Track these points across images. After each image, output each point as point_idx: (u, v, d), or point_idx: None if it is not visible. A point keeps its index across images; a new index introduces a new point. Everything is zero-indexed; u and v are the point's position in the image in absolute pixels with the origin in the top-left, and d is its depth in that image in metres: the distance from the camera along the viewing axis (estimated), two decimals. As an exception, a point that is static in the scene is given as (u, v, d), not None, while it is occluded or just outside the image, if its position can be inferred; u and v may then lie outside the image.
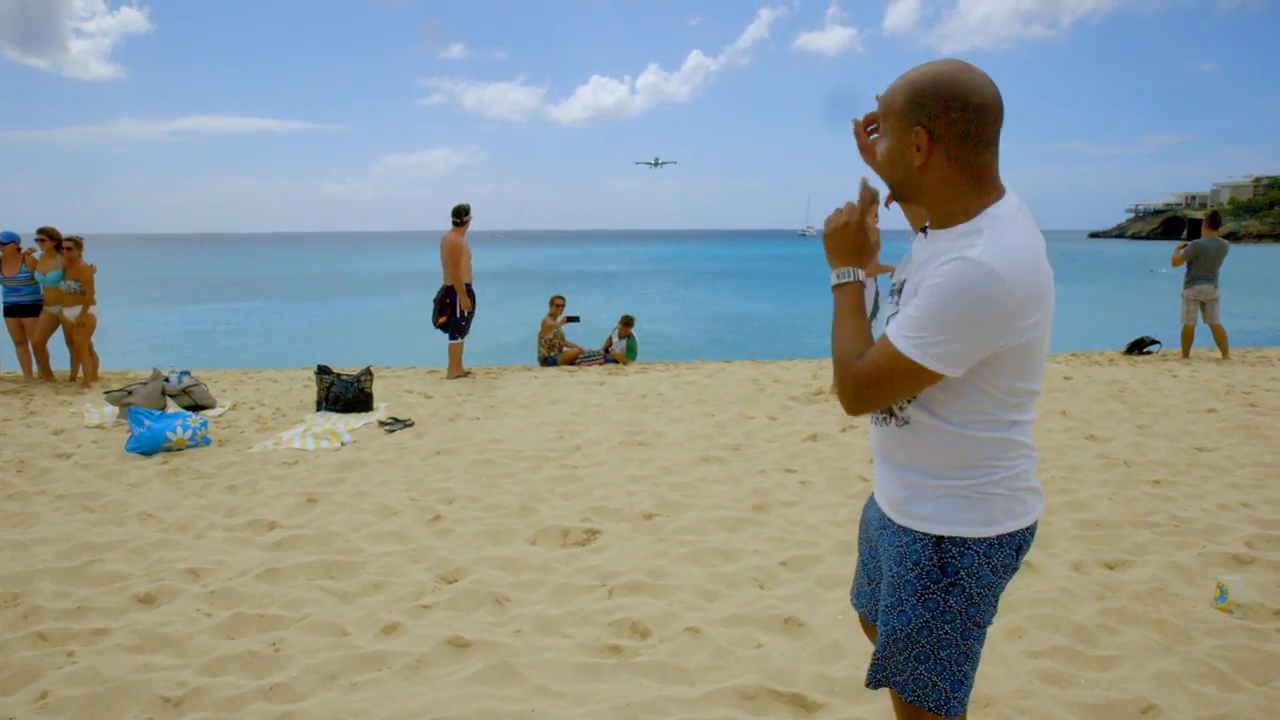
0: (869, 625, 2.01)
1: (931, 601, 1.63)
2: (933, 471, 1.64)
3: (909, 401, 1.62)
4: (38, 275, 8.81)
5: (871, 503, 1.89)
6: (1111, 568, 3.74)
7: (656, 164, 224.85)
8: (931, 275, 1.50)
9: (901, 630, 1.65)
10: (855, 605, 2.01)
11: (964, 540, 1.62)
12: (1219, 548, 3.91)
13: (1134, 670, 2.86)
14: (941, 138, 1.53)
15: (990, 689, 2.71)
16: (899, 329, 1.53)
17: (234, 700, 2.71)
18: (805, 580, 3.62)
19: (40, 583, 3.60)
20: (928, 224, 1.66)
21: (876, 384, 1.57)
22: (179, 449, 5.92)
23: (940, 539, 1.63)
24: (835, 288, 1.69)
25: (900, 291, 1.68)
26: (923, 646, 1.65)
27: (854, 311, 1.66)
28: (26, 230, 9.37)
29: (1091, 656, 2.95)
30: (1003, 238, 1.48)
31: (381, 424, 6.79)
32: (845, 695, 2.72)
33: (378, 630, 3.19)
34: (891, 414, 1.67)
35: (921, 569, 1.64)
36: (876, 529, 1.81)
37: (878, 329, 1.69)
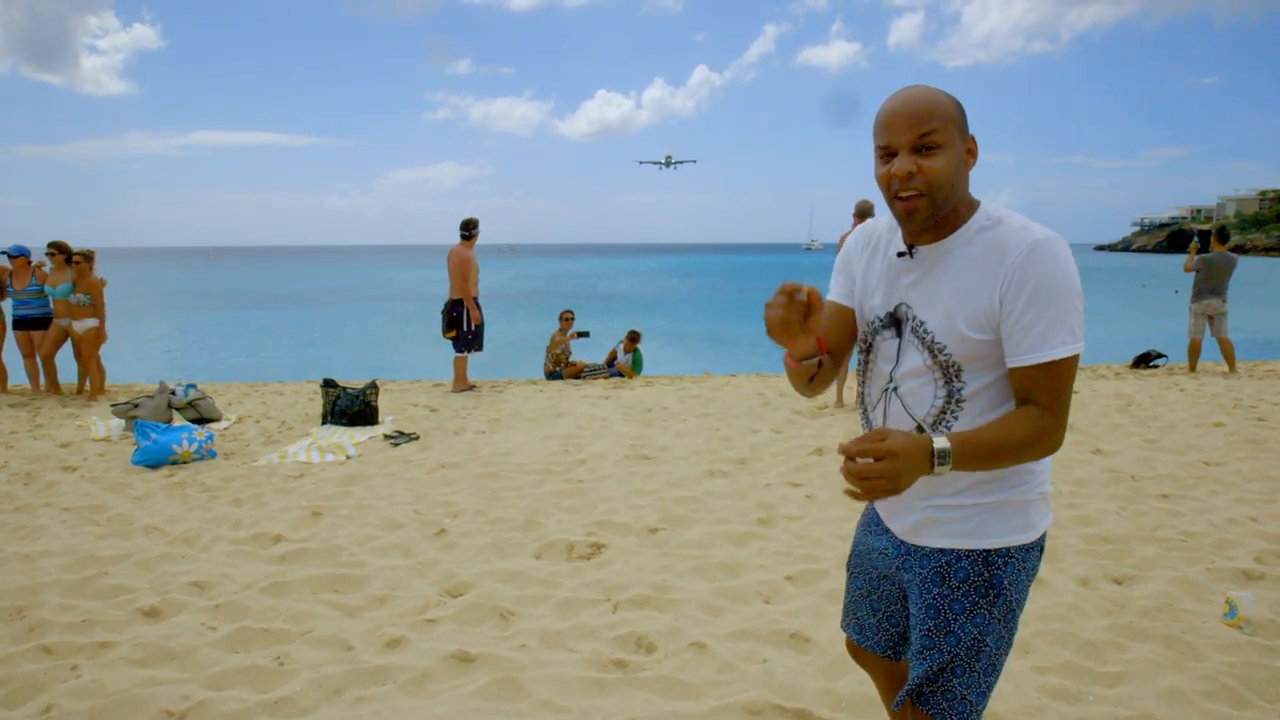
0: (864, 652, 1.98)
1: (980, 617, 1.64)
2: (974, 490, 1.63)
3: (955, 420, 1.62)
4: (47, 288, 8.86)
5: (875, 533, 1.85)
6: (1119, 583, 3.72)
7: (668, 164, 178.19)
8: (1019, 273, 1.50)
9: (951, 651, 1.64)
10: (856, 638, 1.95)
11: (1009, 550, 1.65)
12: (1227, 563, 3.88)
13: (1143, 687, 2.83)
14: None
15: (997, 705, 2.70)
16: (1047, 342, 1.50)
17: (238, 714, 2.70)
18: (811, 595, 3.60)
19: (46, 595, 3.60)
20: (911, 245, 1.64)
21: (1068, 402, 1.55)
22: (185, 462, 5.93)
23: (988, 552, 1.64)
24: (956, 467, 1.47)
25: (899, 320, 1.66)
26: (965, 662, 1.64)
27: (984, 442, 1.49)
28: (37, 243, 9.44)
29: (1100, 673, 2.93)
30: (1028, 218, 1.58)
31: (387, 437, 6.79)
32: (851, 711, 2.70)
33: (382, 644, 3.18)
34: None
35: (970, 585, 1.64)
36: (895, 557, 1.78)
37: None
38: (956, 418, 1.62)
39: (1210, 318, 10.04)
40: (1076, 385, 9.54)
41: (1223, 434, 6.60)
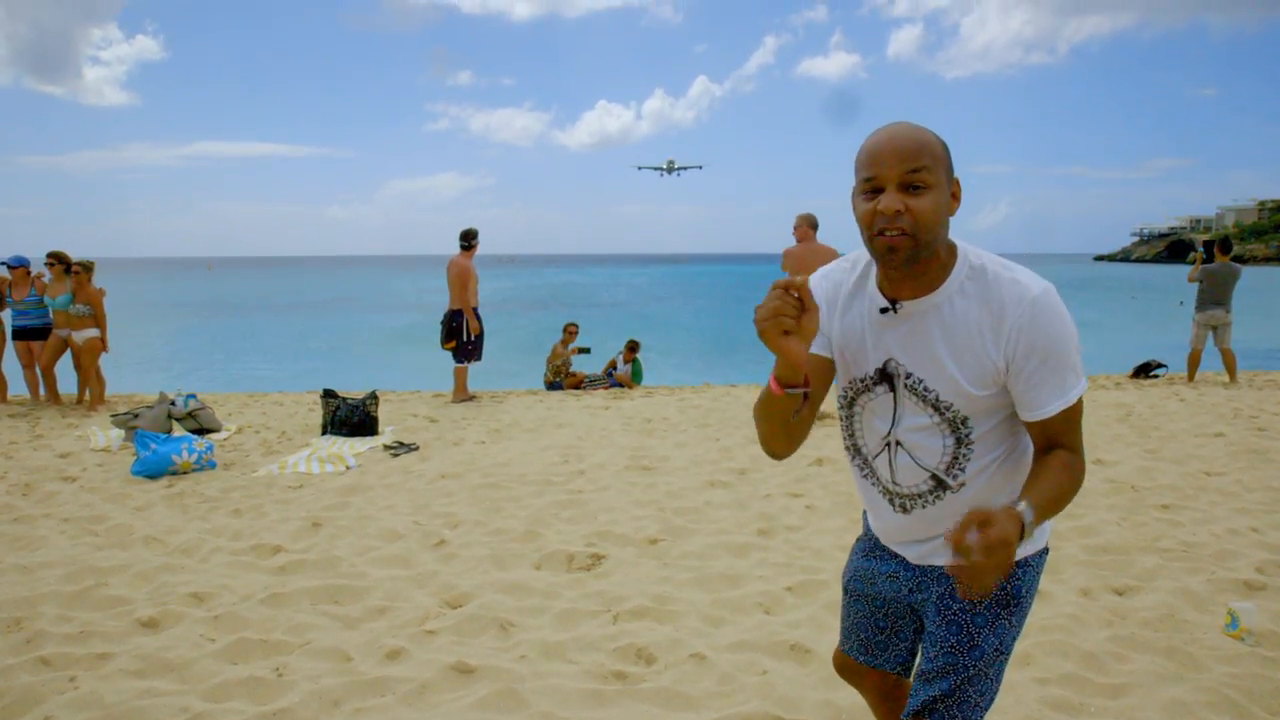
0: (859, 670, 1.98)
1: (1001, 627, 1.66)
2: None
3: (968, 461, 1.62)
4: (46, 299, 8.87)
5: (880, 557, 1.84)
6: (1120, 594, 3.71)
7: (670, 169, 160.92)
8: (1026, 333, 1.50)
9: (975, 665, 1.65)
10: (863, 659, 1.94)
11: (1025, 560, 1.68)
12: (1229, 573, 3.88)
13: (1145, 698, 2.82)
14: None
15: (998, 717, 2.68)
16: (1064, 391, 1.53)
17: (236, 726, 2.70)
18: (811, 606, 3.60)
19: (44, 607, 3.59)
20: (894, 300, 1.59)
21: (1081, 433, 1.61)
22: (184, 472, 5.93)
23: None
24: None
25: (890, 376, 1.62)
26: (982, 671, 1.66)
27: (1049, 504, 1.49)
28: (38, 254, 9.45)
29: (1101, 684, 2.92)
30: (1010, 264, 1.57)
31: (386, 448, 6.79)
32: (852, 723, 2.69)
33: (381, 656, 3.17)
34: (945, 487, 1.65)
35: (993, 599, 1.66)
36: (906, 580, 1.78)
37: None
38: (969, 459, 1.62)
39: (1214, 328, 10.04)
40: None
41: (1223, 444, 6.59)
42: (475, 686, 2.94)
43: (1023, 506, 1.44)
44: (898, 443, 1.66)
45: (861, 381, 1.68)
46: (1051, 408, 1.54)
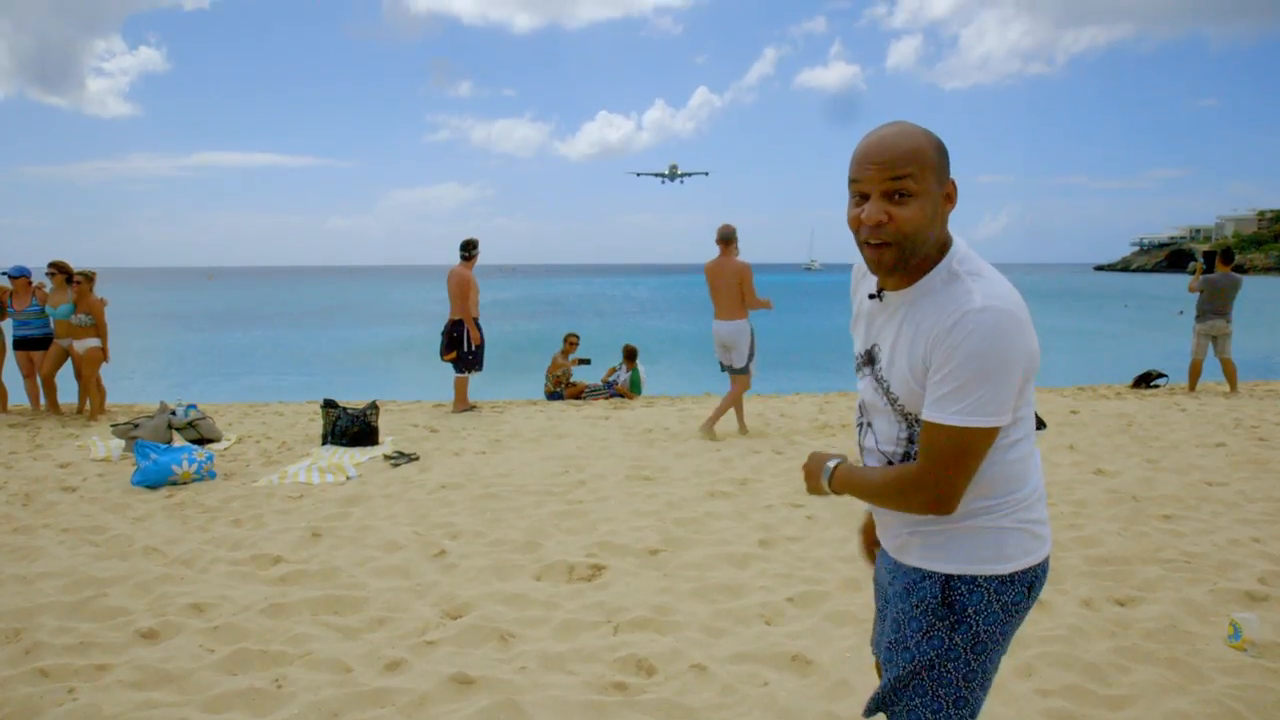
0: (877, 662, 2.00)
1: (937, 640, 1.63)
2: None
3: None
4: (48, 309, 8.88)
5: (882, 550, 1.86)
6: (1122, 604, 3.70)
7: (672, 175, 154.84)
8: (945, 340, 1.47)
9: (905, 667, 1.65)
10: (874, 650, 1.97)
11: (973, 578, 1.61)
12: (1231, 584, 3.86)
13: (1147, 710, 2.81)
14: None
15: (1001, 729, 2.67)
16: (943, 407, 1.48)
17: (236, 738, 2.68)
18: (812, 617, 3.59)
19: (43, 618, 3.58)
20: (881, 288, 1.65)
21: (955, 468, 1.51)
22: (184, 483, 5.92)
23: (949, 577, 1.62)
24: (836, 490, 1.72)
25: (873, 360, 1.68)
26: (924, 683, 1.64)
27: (865, 480, 1.66)
28: (40, 264, 9.47)
29: (1103, 695, 2.91)
30: (987, 276, 1.53)
31: (387, 458, 6.78)
32: (854, 735, 2.68)
33: (381, 667, 3.17)
34: None
35: (926, 606, 1.63)
36: (888, 573, 1.79)
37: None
38: None
39: (1214, 338, 10.04)
40: (1077, 405, 9.45)
41: (1224, 454, 6.58)
42: (475, 698, 2.93)
43: (836, 462, 1.70)
44: (870, 424, 1.72)
45: (856, 359, 1.77)
46: (926, 414, 1.51)
